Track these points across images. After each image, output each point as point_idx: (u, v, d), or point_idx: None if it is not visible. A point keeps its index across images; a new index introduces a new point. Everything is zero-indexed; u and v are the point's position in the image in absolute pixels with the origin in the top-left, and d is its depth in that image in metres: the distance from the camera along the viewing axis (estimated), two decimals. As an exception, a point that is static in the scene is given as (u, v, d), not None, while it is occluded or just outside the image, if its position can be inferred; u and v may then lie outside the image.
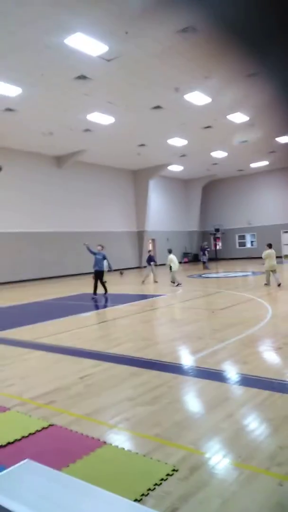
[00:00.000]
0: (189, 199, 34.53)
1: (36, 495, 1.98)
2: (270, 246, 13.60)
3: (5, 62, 11.82)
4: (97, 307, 11.35)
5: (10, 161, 21.24)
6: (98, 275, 13.20)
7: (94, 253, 13.24)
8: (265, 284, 13.34)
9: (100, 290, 13.16)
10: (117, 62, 12.22)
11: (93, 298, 12.84)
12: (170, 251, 16.38)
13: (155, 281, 16.76)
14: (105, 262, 13.37)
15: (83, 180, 25.36)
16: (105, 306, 11.56)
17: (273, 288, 12.70)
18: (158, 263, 31.03)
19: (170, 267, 15.56)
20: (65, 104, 15.39)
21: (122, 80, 13.53)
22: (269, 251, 13.32)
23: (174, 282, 15.34)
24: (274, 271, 13.12)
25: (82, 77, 13.09)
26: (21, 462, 2.22)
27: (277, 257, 14.48)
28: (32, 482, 2.11)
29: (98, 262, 13.16)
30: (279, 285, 12.78)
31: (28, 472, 2.19)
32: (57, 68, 12.40)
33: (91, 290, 13.31)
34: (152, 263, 16.99)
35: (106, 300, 12.53)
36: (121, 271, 24.31)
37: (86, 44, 10.93)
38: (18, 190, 21.61)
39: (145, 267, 28.82)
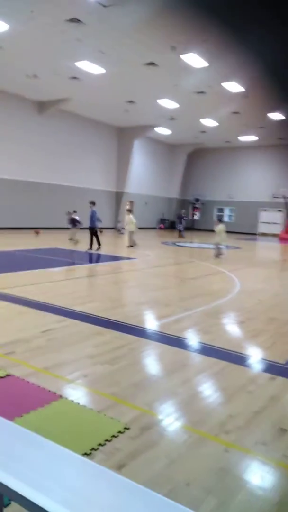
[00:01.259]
0: (173, 165, 34.06)
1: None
2: (221, 221, 14.94)
3: (-7, -10, 10.91)
4: (67, 264, 11.25)
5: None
6: (93, 231, 14.37)
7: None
8: (216, 256, 13.87)
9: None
10: (114, 10, 11.50)
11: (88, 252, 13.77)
12: (130, 211, 16.85)
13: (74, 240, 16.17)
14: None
15: (65, 131, 24.40)
16: (74, 264, 11.46)
17: (243, 262, 12.93)
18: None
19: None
20: (54, 47, 14.50)
21: (118, 30, 12.79)
22: (221, 225, 14.08)
23: (132, 245, 15.82)
24: (219, 244, 13.99)
25: (75, 20, 12.28)
26: (-28, 410, 2.20)
27: (252, 233, 15.06)
28: (-19, 430, 2.10)
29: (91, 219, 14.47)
30: (217, 256, 13.82)
31: (-21, 420, 2.18)
32: (49, 7, 11.54)
33: (62, 245, 13.28)
34: (77, 224, 16.26)
35: (82, 257, 12.42)
36: (100, 229, 24.26)
37: (83, -17, 10.18)
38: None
39: (119, 229, 28.75)
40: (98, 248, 14.08)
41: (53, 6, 11.50)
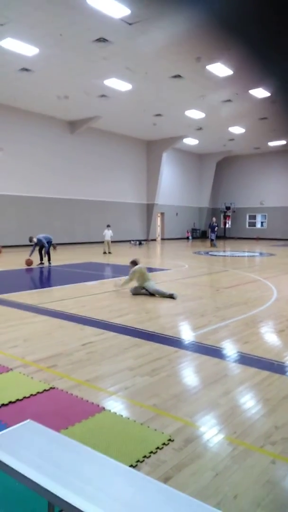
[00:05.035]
0: (202, 174, 34.01)
1: (36, 454, 2.05)
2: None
3: (24, 20, 11.44)
4: (102, 277, 11.41)
5: (22, 123, 20.97)
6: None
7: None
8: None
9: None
10: (138, 27, 11.78)
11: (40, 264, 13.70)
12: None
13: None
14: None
15: (96, 147, 24.99)
16: (109, 277, 11.61)
17: (279, 269, 12.66)
18: (165, 237, 31.04)
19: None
20: (83, 67, 14.98)
21: (143, 46, 13.07)
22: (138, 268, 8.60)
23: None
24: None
25: (102, 40, 12.66)
26: (23, 422, 2.28)
27: (286, 239, 14.29)
28: (32, 442, 2.17)
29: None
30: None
31: (29, 431, 2.26)
32: (76, 29, 11.98)
33: (98, 259, 13.51)
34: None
35: (116, 270, 12.57)
36: (139, 241, 25.18)
37: (108, 5, 10.50)
38: (29, 154, 21.38)
39: (153, 240, 28.88)
40: (40, 263, 13.78)
41: (80, 28, 11.92)
